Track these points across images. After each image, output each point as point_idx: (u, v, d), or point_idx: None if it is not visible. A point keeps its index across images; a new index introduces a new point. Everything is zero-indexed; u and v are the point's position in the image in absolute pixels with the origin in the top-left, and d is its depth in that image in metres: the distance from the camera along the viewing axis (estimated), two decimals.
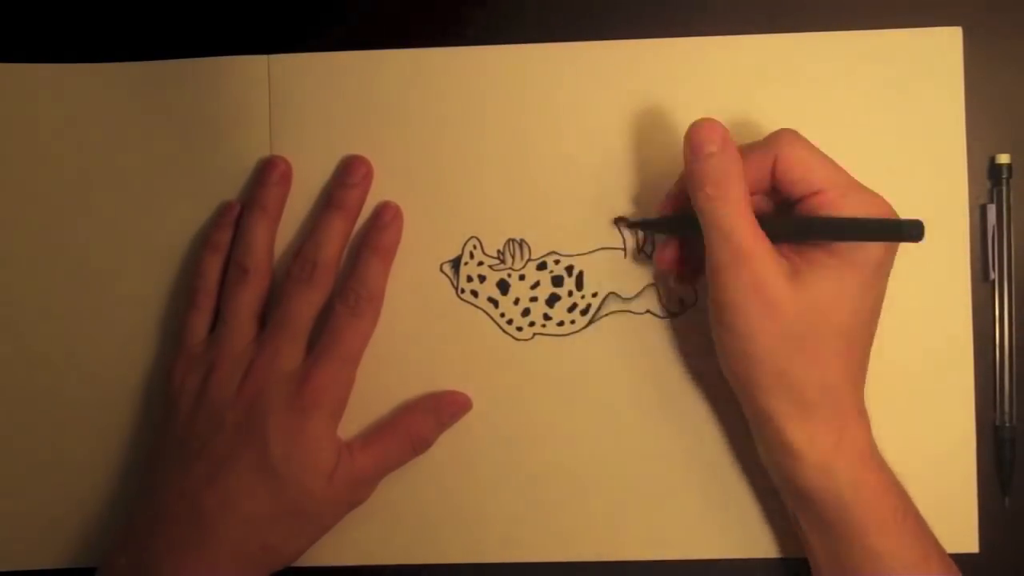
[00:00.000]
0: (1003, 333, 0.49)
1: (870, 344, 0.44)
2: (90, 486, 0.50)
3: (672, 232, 0.47)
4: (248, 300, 0.48)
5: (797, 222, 0.43)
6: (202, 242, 0.49)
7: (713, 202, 0.42)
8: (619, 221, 0.49)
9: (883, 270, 0.42)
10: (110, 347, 0.50)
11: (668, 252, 0.47)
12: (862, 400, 0.43)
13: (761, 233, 0.42)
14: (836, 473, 0.42)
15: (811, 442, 0.42)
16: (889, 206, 0.42)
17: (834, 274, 0.41)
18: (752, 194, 0.43)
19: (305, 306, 0.47)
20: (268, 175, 0.49)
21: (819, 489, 0.43)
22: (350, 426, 0.49)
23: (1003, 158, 0.49)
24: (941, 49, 0.49)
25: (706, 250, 0.42)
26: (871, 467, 0.43)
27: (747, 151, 0.43)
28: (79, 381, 0.50)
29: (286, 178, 0.49)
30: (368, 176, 0.49)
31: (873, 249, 0.41)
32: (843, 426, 0.42)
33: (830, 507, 0.43)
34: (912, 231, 0.39)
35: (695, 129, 0.42)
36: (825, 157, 0.43)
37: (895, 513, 0.42)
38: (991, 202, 0.49)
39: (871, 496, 0.42)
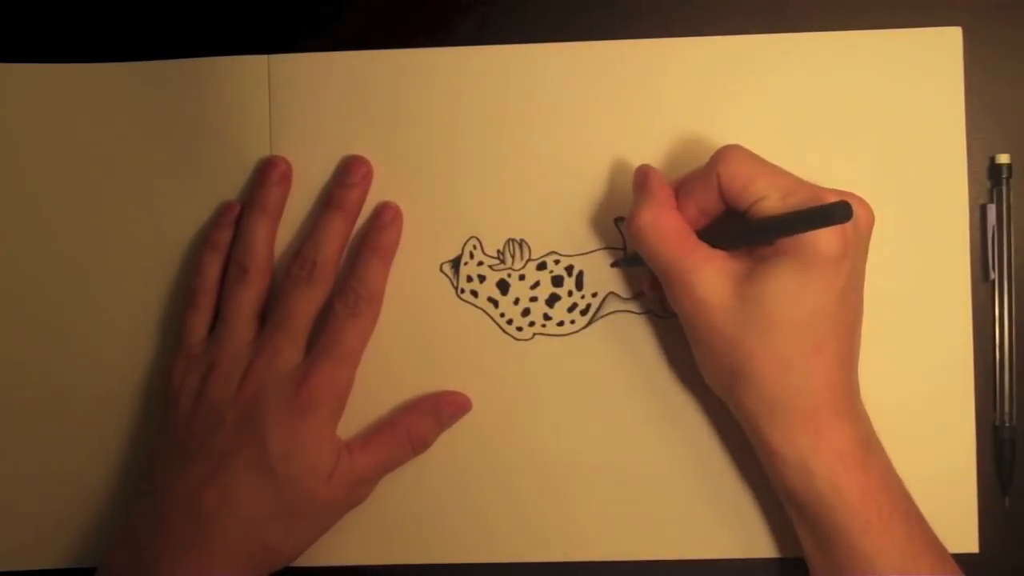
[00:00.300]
0: (1003, 333, 0.49)
1: (848, 343, 0.43)
2: (89, 486, 0.50)
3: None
4: (248, 300, 0.48)
5: (734, 227, 0.43)
6: (202, 242, 0.49)
7: (633, 233, 0.44)
8: (619, 221, 0.49)
9: (843, 266, 0.41)
10: (109, 347, 0.50)
11: (647, 278, 0.48)
12: (848, 399, 0.43)
13: (692, 247, 0.43)
14: (814, 475, 0.42)
15: (789, 443, 0.42)
16: (843, 198, 0.41)
17: (780, 273, 0.41)
18: (706, 215, 0.44)
19: (304, 305, 0.47)
20: (268, 175, 0.49)
21: (800, 490, 0.43)
22: (350, 426, 0.49)
23: (1003, 158, 0.49)
24: (941, 49, 0.49)
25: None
26: (851, 468, 0.42)
27: (694, 175, 0.45)
28: (77, 381, 0.50)
29: (286, 178, 0.49)
30: (368, 176, 0.49)
31: (821, 244, 0.40)
32: (819, 427, 0.42)
33: (813, 508, 0.43)
34: (839, 213, 0.38)
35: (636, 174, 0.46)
36: (766, 166, 0.43)
37: (880, 512, 0.42)
38: (991, 202, 0.49)
39: (852, 497, 0.42)
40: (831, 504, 0.42)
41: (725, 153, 0.43)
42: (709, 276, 0.42)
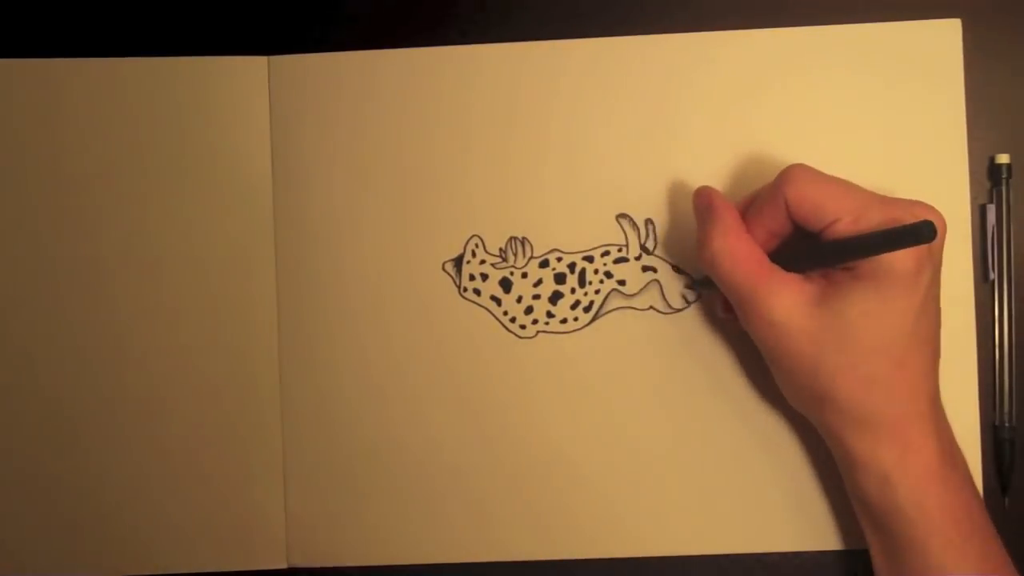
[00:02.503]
0: (1003, 333, 0.49)
1: (930, 354, 0.43)
2: (88, 491, 0.50)
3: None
4: None
5: (809, 251, 0.43)
6: None
7: (706, 261, 0.44)
8: (621, 218, 0.49)
9: (919, 281, 0.41)
10: (107, 347, 0.50)
11: (720, 301, 0.48)
12: (932, 411, 0.43)
13: (767, 272, 0.43)
14: (897, 488, 0.42)
15: (873, 454, 0.42)
16: (914, 210, 0.41)
17: (859, 295, 0.41)
18: (776, 236, 0.44)
19: None
20: None
21: (880, 501, 0.42)
22: (348, 430, 0.49)
23: (1003, 158, 0.49)
24: (941, 41, 0.49)
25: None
26: (936, 483, 0.42)
27: (760, 198, 0.44)
28: (74, 381, 0.50)
29: None
30: None
31: (897, 262, 0.40)
32: (906, 442, 0.42)
33: (892, 519, 0.42)
34: (924, 233, 0.37)
35: (695, 195, 0.46)
36: (834, 184, 0.43)
37: (960, 530, 0.42)
38: (991, 202, 0.49)
39: (934, 514, 0.42)
40: (911, 518, 0.42)
41: (791, 175, 0.43)
42: (785, 301, 0.42)
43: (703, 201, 0.45)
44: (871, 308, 0.41)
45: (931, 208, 0.42)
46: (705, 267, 0.44)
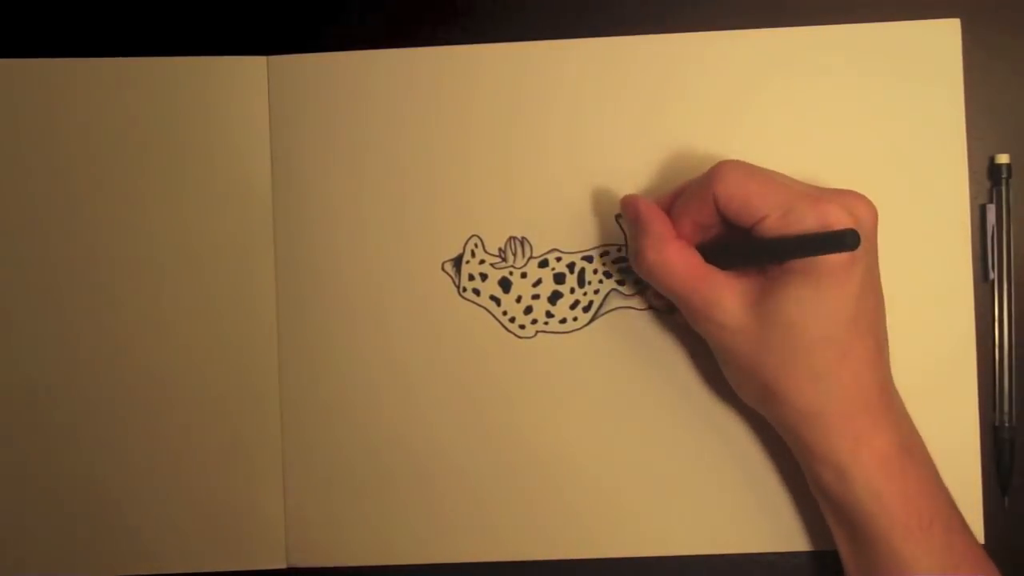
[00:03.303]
0: (1003, 333, 0.49)
1: (874, 344, 0.43)
2: (90, 490, 0.50)
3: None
4: None
5: (741, 249, 0.43)
6: None
7: (642, 272, 0.45)
8: (620, 218, 0.49)
9: (854, 271, 0.41)
10: (106, 347, 0.50)
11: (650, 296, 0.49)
12: (884, 402, 0.43)
13: (703, 276, 0.43)
14: (854, 480, 0.42)
15: (828, 449, 0.42)
16: (845, 200, 0.41)
17: (794, 290, 0.41)
18: (705, 228, 0.44)
19: None
20: None
21: (839, 495, 0.43)
22: (348, 430, 0.49)
23: (1003, 158, 0.49)
24: (940, 41, 0.49)
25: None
26: (891, 474, 0.42)
27: (688, 192, 0.44)
28: (73, 380, 0.50)
29: None
30: None
31: (829, 257, 0.40)
32: (858, 433, 0.42)
33: (852, 513, 0.42)
34: (848, 241, 0.38)
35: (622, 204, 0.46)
36: (761, 181, 0.42)
37: (920, 520, 0.41)
38: (991, 202, 0.49)
39: (892, 504, 0.41)
40: (871, 511, 0.42)
41: (720, 172, 0.43)
42: (725, 304, 0.42)
43: (630, 212, 0.45)
44: (807, 302, 0.41)
45: (861, 198, 0.42)
46: (643, 276, 0.45)
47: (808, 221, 0.40)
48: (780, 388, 0.42)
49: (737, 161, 0.43)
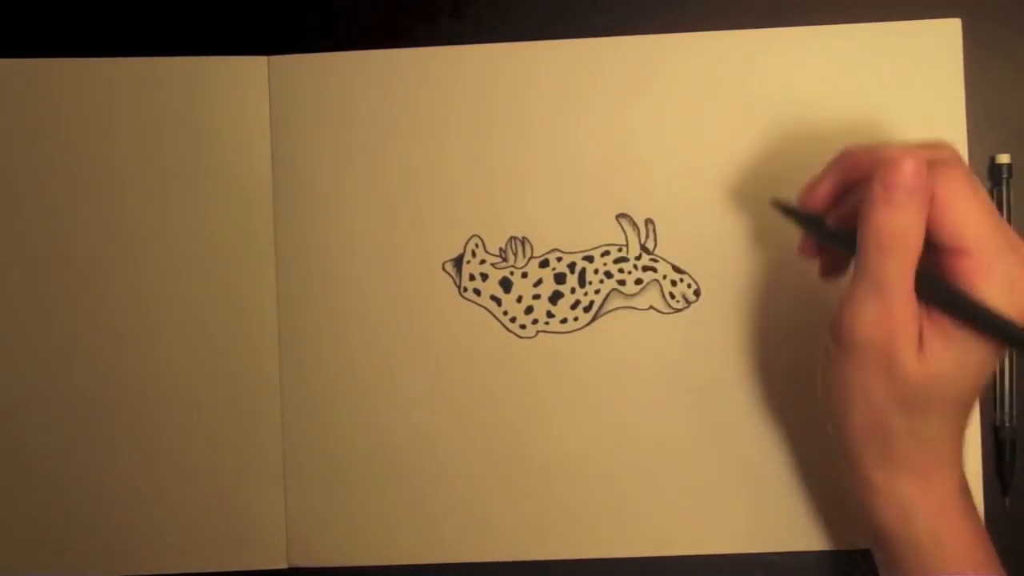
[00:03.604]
0: None
1: (976, 401, 0.41)
2: (95, 491, 0.50)
3: (819, 237, 0.43)
4: None
5: (950, 294, 0.38)
6: None
7: (885, 254, 0.38)
8: (621, 218, 0.49)
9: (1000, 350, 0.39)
10: (106, 347, 0.50)
11: (816, 252, 0.44)
12: (959, 450, 0.41)
13: (915, 299, 0.38)
14: (915, 518, 0.41)
15: (892, 484, 0.41)
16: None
17: (959, 350, 0.38)
18: (848, 205, 0.41)
19: None
20: None
21: (897, 532, 0.41)
22: (348, 430, 0.49)
23: (1003, 158, 0.49)
24: (940, 41, 0.49)
25: (852, 287, 0.39)
26: (953, 516, 0.41)
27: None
28: (73, 381, 0.50)
29: None
30: None
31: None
32: (930, 473, 0.40)
33: (907, 549, 0.41)
34: None
35: (896, 168, 0.37)
36: (984, 208, 0.38)
37: (975, 566, 0.40)
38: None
39: (951, 547, 0.40)
40: (926, 549, 0.40)
41: (956, 176, 0.38)
42: (909, 334, 0.38)
43: (918, 180, 0.37)
44: (968, 365, 0.38)
45: None
46: (870, 250, 0.38)
47: (1010, 282, 0.37)
48: (891, 427, 0.40)
49: (968, 169, 0.39)
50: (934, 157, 0.38)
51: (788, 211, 0.44)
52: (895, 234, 0.37)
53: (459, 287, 0.50)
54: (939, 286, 0.38)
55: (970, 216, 0.38)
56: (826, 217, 0.42)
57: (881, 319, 0.38)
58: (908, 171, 0.37)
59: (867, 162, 0.40)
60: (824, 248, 0.44)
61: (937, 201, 0.38)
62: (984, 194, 0.38)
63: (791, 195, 0.44)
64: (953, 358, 0.38)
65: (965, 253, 0.38)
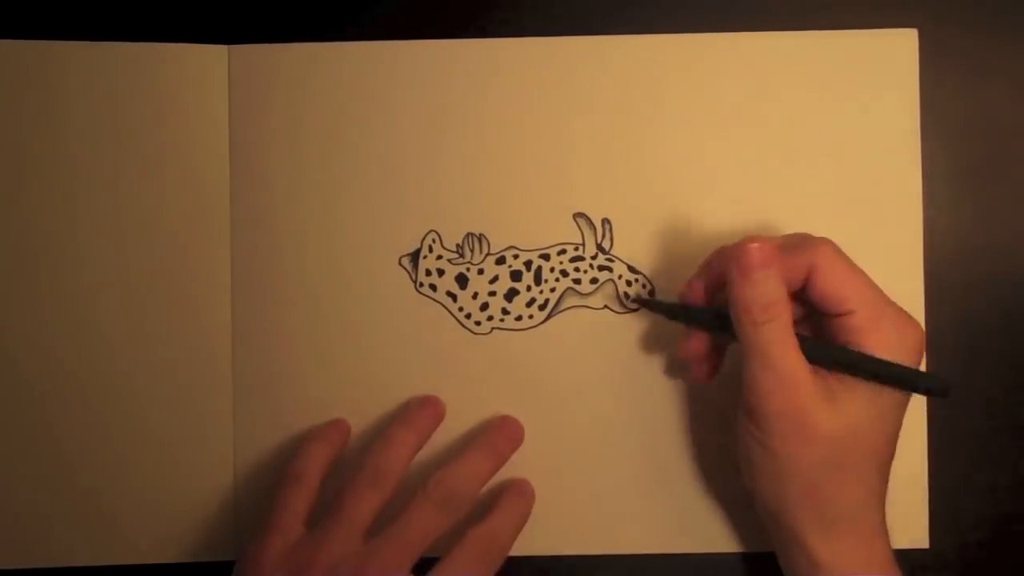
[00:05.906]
0: None
1: (892, 459, 0.44)
2: (79, 482, 0.50)
3: (696, 325, 0.45)
4: (371, 506, 0.45)
5: (839, 354, 0.42)
6: (310, 435, 0.48)
7: (760, 328, 0.41)
8: (578, 217, 0.49)
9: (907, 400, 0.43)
10: (66, 333, 0.49)
11: (695, 344, 0.45)
12: (884, 514, 0.43)
13: (802, 360, 0.41)
14: (829, 572, 0.42)
15: (839, 557, 0.42)
16: (918, 329, 0.42)
17: (869, 403, 0.41)
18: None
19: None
20: (426, 407, 0.48)
21: None
22: (302, 423, 0.49)
23: None
24: (896, 51, 0.49)
25: (745, 369, 0.42)
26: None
27: (782, 252, 0.42)
28: (43, 369, 0.49)
29: (439, 418, 0.49)
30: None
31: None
32: (870, 542, 0.42)
33: None
34: (940, 387, 0.41)
35: (745, 251, 0.41)
36: (860, 274, 0.42)
37: None
38: None
39: None
40: None
41: (827, 250, 0.42)
42: (813, 394, 0.41)
43: (769, 258, 0.41)
44: (879, 416, 0.42)
45: (917, 325, 0.43)
46: (747, 329, 0.41)
47: (896, 334, 0.41)
48: (821, 492, 0.42)
49: (833, 242, 0.43)
50: (801, 239, 0.43)
51: (650, 304, 0.48)
52: (762, 306, 0.41)
53: (415, 282, 0.50)
54: (827, 350, 0.42)
55: (848, 279, 0.42)
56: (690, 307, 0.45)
57: (778, 386, 0.41)
58: (755, 251, 0.41)
59: (730, 256, 0.42)
60: (702, 356, 0.46)
61: (816, 270, 0.42)
62: (854, 264, 0.42)
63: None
64: (864, 408, 0.41)
65: (850, 312, 0.42)
